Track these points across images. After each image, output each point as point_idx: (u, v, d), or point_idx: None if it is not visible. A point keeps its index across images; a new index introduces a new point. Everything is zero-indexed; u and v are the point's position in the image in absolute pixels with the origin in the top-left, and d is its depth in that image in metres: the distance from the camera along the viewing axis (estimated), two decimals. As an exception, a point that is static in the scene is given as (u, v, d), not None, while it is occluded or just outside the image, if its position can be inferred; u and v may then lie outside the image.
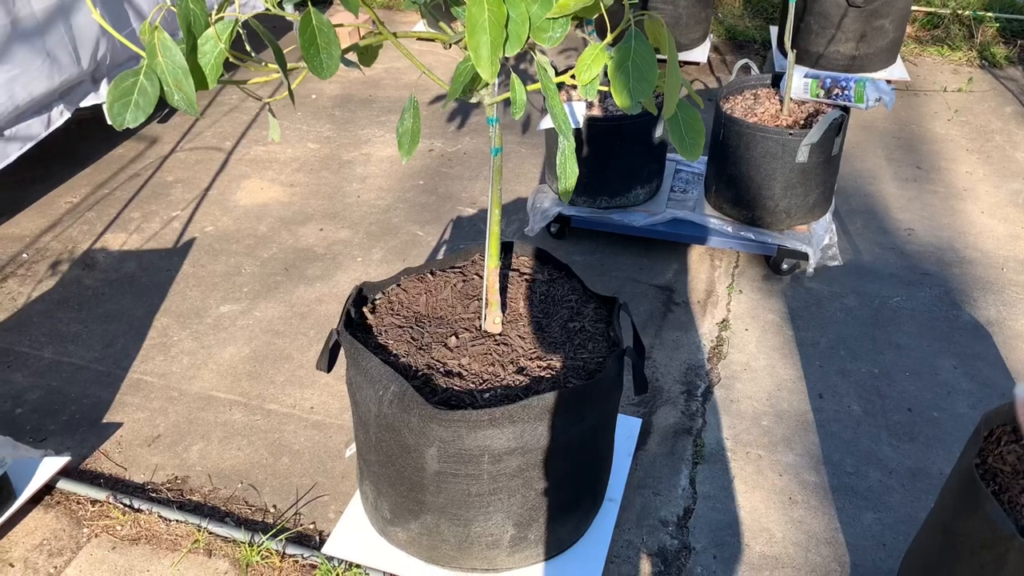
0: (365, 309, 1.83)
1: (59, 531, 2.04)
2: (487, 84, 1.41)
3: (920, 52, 4.48)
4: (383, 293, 1.89)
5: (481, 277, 1.91)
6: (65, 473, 2.16)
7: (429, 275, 1.94)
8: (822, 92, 2.58)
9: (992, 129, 3.73)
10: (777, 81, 2.81)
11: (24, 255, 3.05)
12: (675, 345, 2.52)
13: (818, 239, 2.70)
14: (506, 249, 2.01)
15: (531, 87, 1.37)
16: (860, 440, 2.19)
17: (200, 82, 1.21)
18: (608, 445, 1.82)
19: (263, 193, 3.40)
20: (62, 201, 3.37)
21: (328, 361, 1.77)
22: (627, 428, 2.14)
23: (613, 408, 1.75)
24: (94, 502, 2.09)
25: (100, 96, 3.33)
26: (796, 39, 3.85)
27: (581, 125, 2.65)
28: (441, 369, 1.67)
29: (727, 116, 2.64)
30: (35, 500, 2.10)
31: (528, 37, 1.18)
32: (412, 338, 1.75)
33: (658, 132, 2.69)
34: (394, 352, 1.71)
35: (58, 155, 3.69)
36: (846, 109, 2.58)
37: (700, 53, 4.16)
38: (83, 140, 3.82)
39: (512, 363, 1.69)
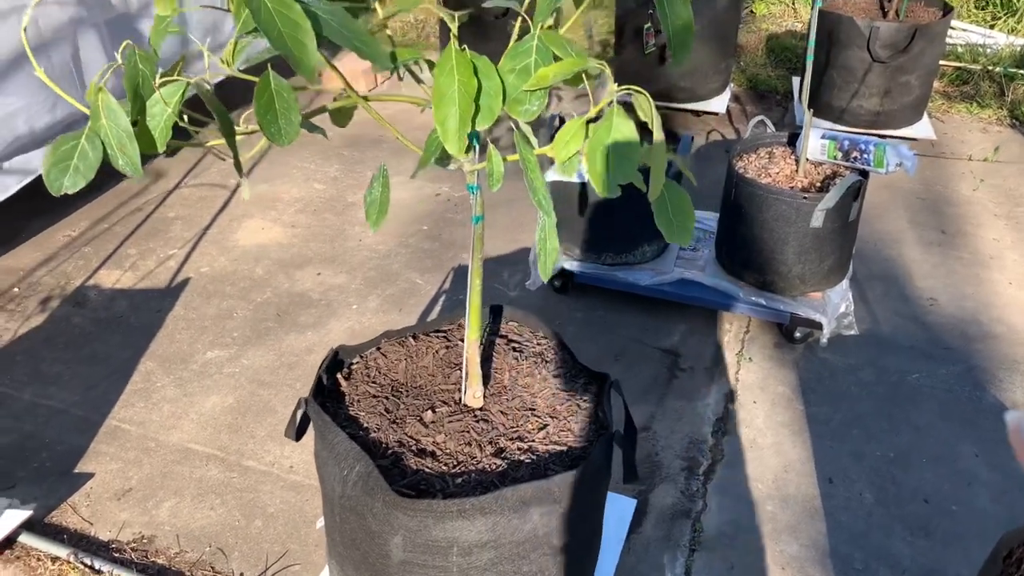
0: (340, 375, 1.72)
1: (15, 590, 1.93)
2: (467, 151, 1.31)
3: (948, 109, 4.34)
4: (361, 357, 1.79)
5: (466, 344, 1.80)
6: (29, 526, 2.07)
7: (411, 339, 1.83)
8: (840, 154, 2.46)
9: (1021, 193, 3.58)
10: (794, 140, 2.70)
11: (16, 289, 2.99)
12: (678, 416, 2.38)
13: (833, 308, 2.56)
14: (495, 313, 1.90)
15: (511, 157, 1.26)
16: (871, 532, 2.03)
17: (148, 145, 1.12)
18: (594, 536, 1.69)
19: (263, 234, 3.33)
20: (60, 235, 3.32)
21: (297, 430, 1.66)
22: (620, 510, 2.01)
23: (599, 498, 1.61)
24: (54, 559, 1.98)
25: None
26: (819, 92, 3.74)
27: (587, 178, 2.55)
28: (414, 447, 1.56)
29: (739, 175, 2.52)
30: (-7, 555, 2.00)
31: (502, 109, 1.08)
32: (386, 410, 1.64)
33: None
34: (365, 425, 1.60)
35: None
36: (865, 173, 2.46)
37: (719, 103, 4.06)
38: (90, 171, 3.77)
39: (491, 443, 1.57)
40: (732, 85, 4.27)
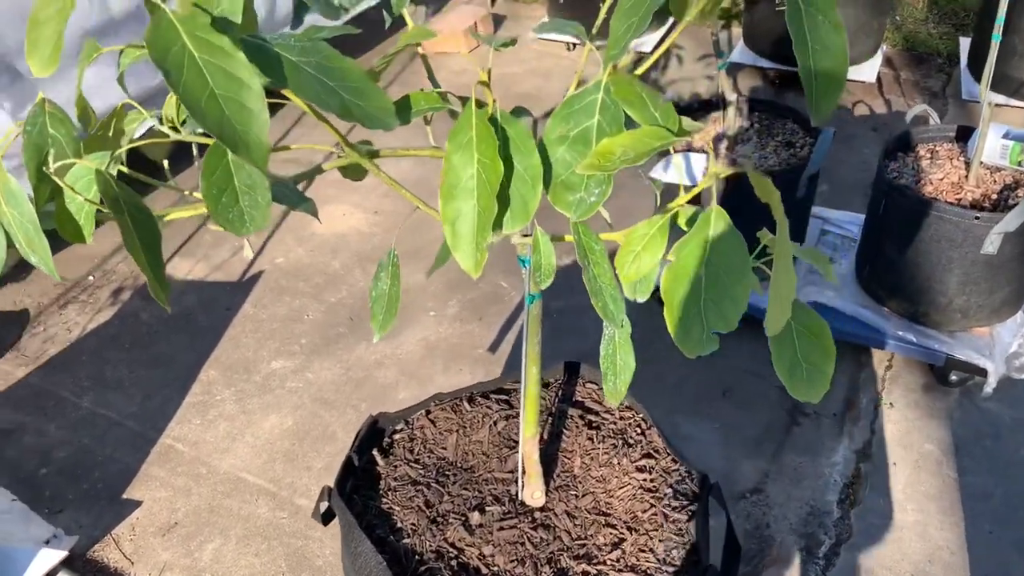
0: (376, 450, 1.43)
1: (49, 636, 1.80)
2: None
3: None
4: (406, 424, 1.49)
5: (531, 415, 1.47)
6: (69, 561, 1.93)
7: (465, 403, 1.52)
8: (1028, 160, 1.94)
9: None
10: (964, 136, 2.17)
11: (91, 278, 2.87)
12: (796, 476, 1.99)
13: (1003, 348, 2.07)
14: (570, 371, 1.56)
15: (569, 237, 0.91)
16: (1043, 659, 1.60)
17: (72, 233, 0.83)
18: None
19: (343, 221, 3.08)
20: (187, 191, 3.18)
21: (324, 515, 1.39)
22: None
23: (683, 642, 1.27)
24: (89, 605, 1.83)
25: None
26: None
27: (699, 182, 2.14)
28: (454, 562, 1.26)
29: (891, 182, 2.04)
30: (32, 591, 1.87)
31: (540, 200, 0.72)
32: (427, 503, 1.34)
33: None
34: (398, 525, 1.31)
35: (143, 162, 3.52)
36: (1061, 186, 1.93)
37: (868, 70, 3.47)
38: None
39: (550, 562, 1.25)
40: (885, 46, 3.65)
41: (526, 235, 0.91)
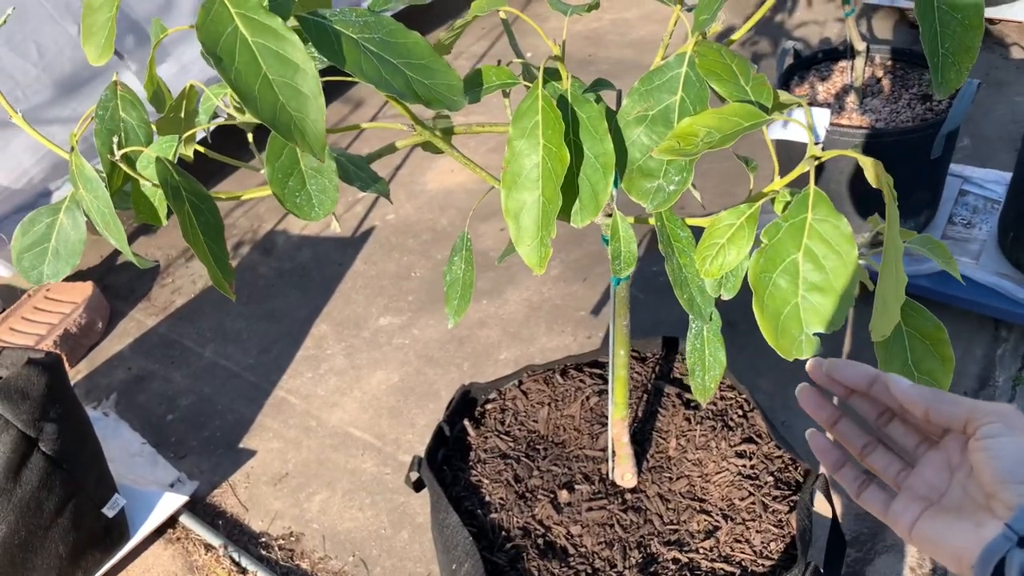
0: (468, 421, 1.42)
1: (173, 574, 1.92)
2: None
3: None
4: (498, 394, 1.47)
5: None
6: (191, 505, 2.05)
7: (558, 376, 1.48)
8: None
9: None
10: None
11: (214, 232, 3.00)
12: (919, 458, 1.85)
13: None
14: (669, 347, 1.49)
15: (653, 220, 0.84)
16: None
17: (148, 214, 0.84)
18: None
19: (452, 176, 3.07)
20: (262, 170, 3.29)
21: (415, 483, 1.40)
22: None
23: (779, 640, 1.21)
24: (208, 548, 1.95)
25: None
26: None
27: (822, 139, 1.98)
28: (541, 539, 1.24)
29: (1047, 138, 1.82)
30: (159, 531, 2.00)
31: (614, 192, 0.66)
32: (516, 478, 1.32)
33: None
34: (486, 499, 1.30)
35: (228, 141, 3.62)
36: None
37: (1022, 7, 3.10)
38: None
39: (639, 546, 1.21)
40: (1048, -22, 3.25)
41: (608, 215, 0.84)
